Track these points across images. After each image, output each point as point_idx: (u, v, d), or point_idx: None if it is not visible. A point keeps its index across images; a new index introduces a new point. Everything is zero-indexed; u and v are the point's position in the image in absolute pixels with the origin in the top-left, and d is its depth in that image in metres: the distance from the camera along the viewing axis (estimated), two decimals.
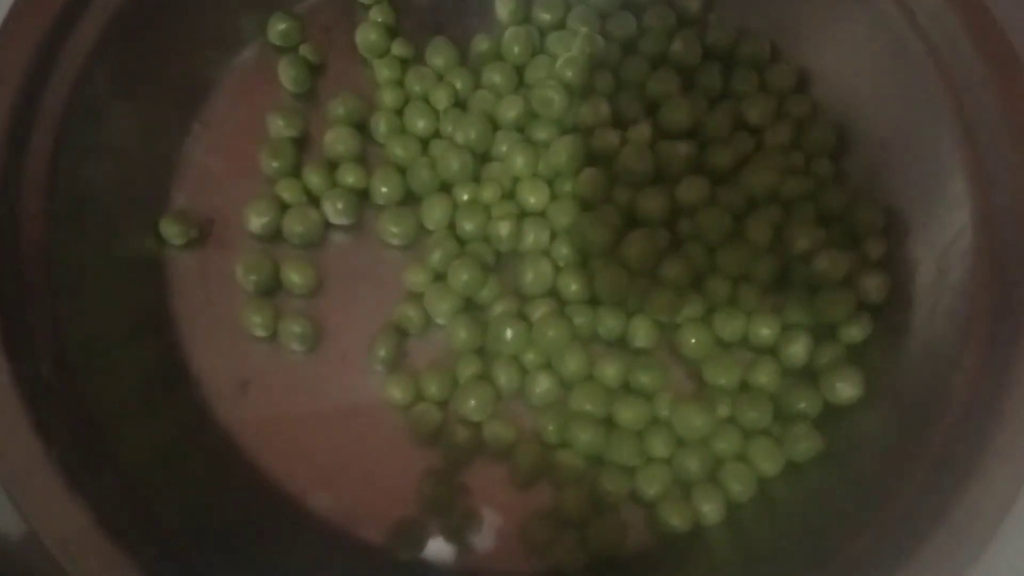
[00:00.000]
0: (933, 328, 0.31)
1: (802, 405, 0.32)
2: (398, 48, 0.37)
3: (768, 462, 0.31)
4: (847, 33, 0.35)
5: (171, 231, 0.33)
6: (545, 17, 0.37)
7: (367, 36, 0.36)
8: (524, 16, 0.37)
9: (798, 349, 0.32)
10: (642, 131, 0.35)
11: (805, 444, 0.31)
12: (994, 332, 0.29)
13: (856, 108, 0.36)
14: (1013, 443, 0.27)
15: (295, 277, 0.33)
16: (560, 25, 0.37)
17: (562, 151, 0.34)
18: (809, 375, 0.32)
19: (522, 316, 0.33)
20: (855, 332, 0.32)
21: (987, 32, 0.32)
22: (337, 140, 0.35)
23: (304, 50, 0.36)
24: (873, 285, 0.33)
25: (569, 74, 0.36)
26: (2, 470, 0.25)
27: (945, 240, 0.32)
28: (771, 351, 0.33)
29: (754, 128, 0.36)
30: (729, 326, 0.33)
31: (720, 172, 0.35)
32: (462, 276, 0.32)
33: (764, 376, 0.32)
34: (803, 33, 0.37)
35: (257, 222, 0.33)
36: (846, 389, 0.31)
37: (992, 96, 0.32)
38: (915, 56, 0.33)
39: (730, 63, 0.37)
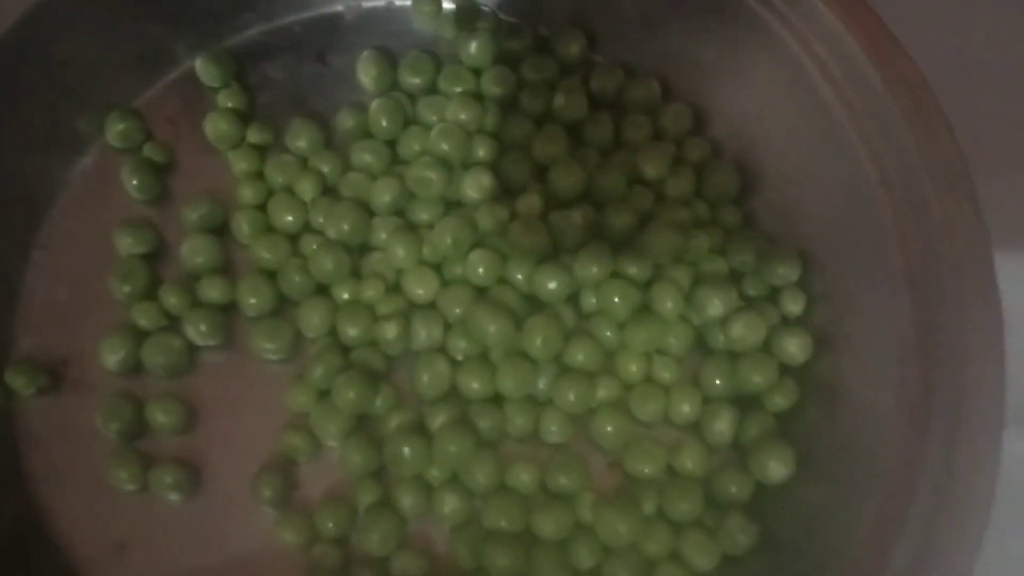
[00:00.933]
0: (863, 388, 0.29)
1: (733, 489, 0.29)
2: (254, 135, 0.33)
3: (703, 557, 0.29)
4: (742, 66, 0.33)
5: (18, 381, 0.29)
6: (413, 81, 0.34)
7: (217, 126, 0.33)
8: (390, 82, 0.34)
9: (723, 426, 0.30)
10: (531, 201, 0.32)
11: (741, 536, 0.28)
12: (929, 384, 0.27)
13: (758, 146, 0.34)
14: (959, 507, 0.25)
15: (161, 417, 0.29)
16: (431, 88, 0.34)
17: (446, 234, 0.31)
18: (737, 452, 0.30)
19: (421, 428, 0.30)
20: (780, 400, 0.30)
21: (891, 57, 0.30)
22: (195, 251, 0.31)
23: (148, 150, 0.33)
24: (795, 346, 0.30)
25: (445, 146, 0.32)
26: None
27: (869, 287, 0.29)
28: (694, 429, 0.30)
29: (652, 181, 0.33)
30: (647, 407, 0.31)
31: (620, 236, 0.32)
32: (349, 393, 0.29)
33: (690, 460, 0.30)
34: (695, 69, 0.34)
35: (112, 359, 0.30)
36: (778, 469, 0.29)
37: (901, 124, 0.29)
38: (815, 87, 0.31)
39: (619, 109, 0.34)
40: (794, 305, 0.31)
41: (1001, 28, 0.35)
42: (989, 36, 0.35)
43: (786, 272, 0.31)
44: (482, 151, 0.33)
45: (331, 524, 0.29)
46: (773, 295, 0.32)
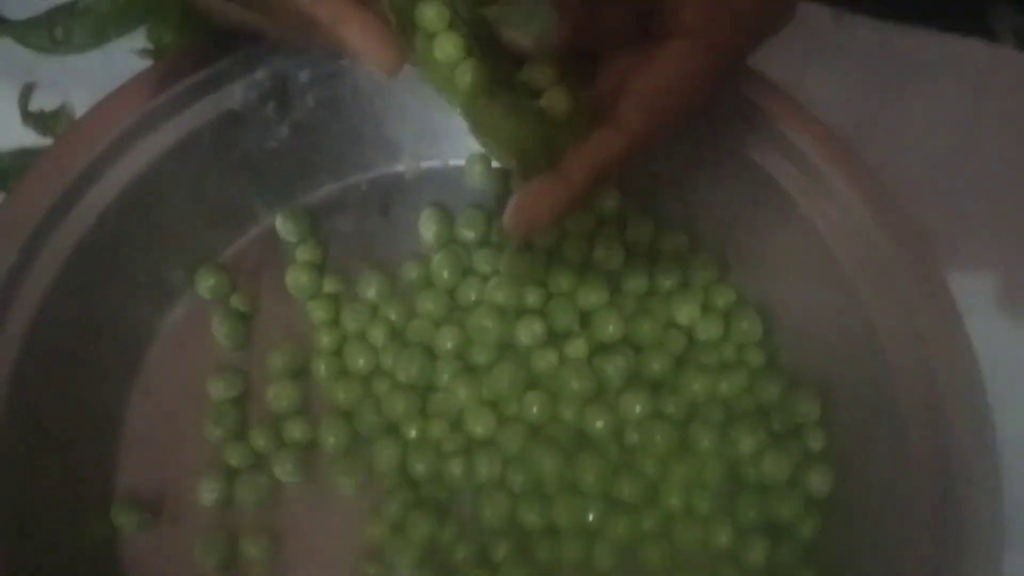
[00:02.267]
0: (881, 512, 0.32)
1: None
2: (329, 285, 0.37)
3: None
4: (761, 221, 0.37)
5: (123, 519, 0.33)
6: (469, 235, 0.38)
7: (297, 279, 0.37)
8: (449, 236, 0.38)
9: (756, 555, 0.33)
10: (578, 347, 0.36)
11: None
12: (941, 519, 0.30)
13: (779, 291, 0.37)
14: None
15: (253, 550, 0.33)
16: (485, 241, 0.38)
17: (503, 377, 0.35)
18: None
19: (485, 557, 0.33)
20: (806, 529, 0.33)
21: (893, 218, 0.34)
22: (279, 396, 0.35)
23: (235, 300, 0.37)
24: (817, 480, 0.34)
25: (500, 296, 0.36)
26: None
27: (882, 421, 0.33)
28: (731, 557, 0.34)
29: (684, 326, 0.37)
30: (688, 536, 0.34)
31: (658, 378, 0.36)
32: (420, 526, 0.33)
33: None
34: (719, 223, 0.38)
35: (208, 497, 0.33)
36: None
37: (903, 277, 0.33)
38: (826, 242, 0.35)
39: (652, 258, 0.38)
40: (816, 442, 0.35)
41: (989, 184, 0.39)
42: (978, 192, 0.39)
43: (807, 410, 0.35)
44: (532, 299, 0.37)
45: None
46: (797, 430, 0.35)
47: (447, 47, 0.26)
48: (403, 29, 0.25)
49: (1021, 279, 0.38)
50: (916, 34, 0.42)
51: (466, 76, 0.26)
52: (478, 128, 0.26)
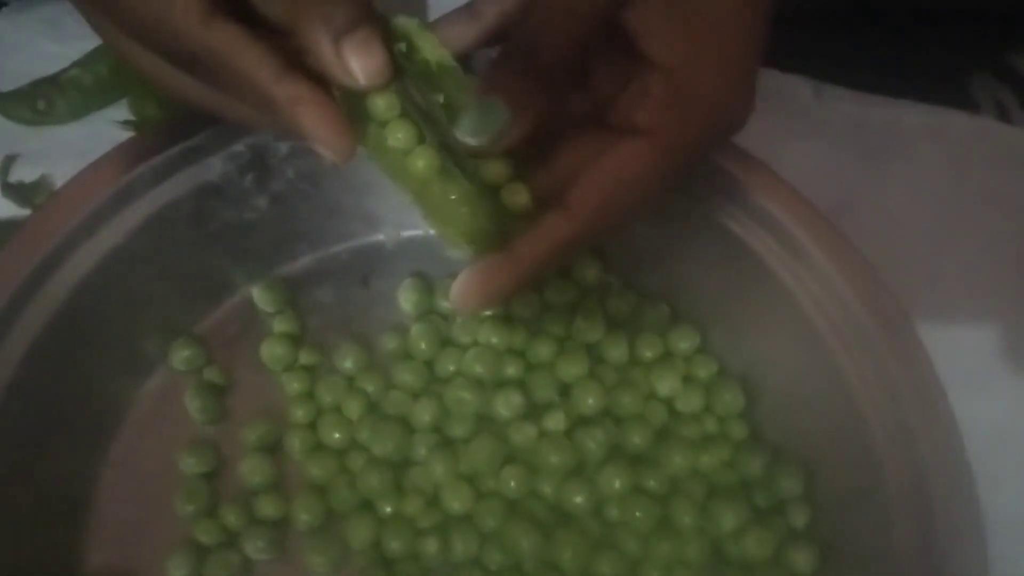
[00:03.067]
0: None
1: None
2: (305, 357, 0.37)
3: None
4: (742, 293, 0.37)
5: None
6: (448, 306, 0.38)
7: (273, 350, 0.37)
8: (428, 306, 0.38)
9: None
10: (557, 420, 0.35)
11: None
12: None
13: (760, 363, 0.37)
14: None
15: None
16: None
17: (481, 451, 0.35)
18: None
19: None
20: None
21: (874, 294, 0.33)
22: (252, 471, 0.34)
23: (209, 373, 0.36)
24: (802, 560, 0.33)
25: (479, 368, 0.36)
26: None
27: (866, 500, 0.32)
28: None
29: (665, 398, 0.36)
30: None
31: (638, 452, 0.35)
32: None
33: None
34: (701, 293, 0.38)
35: (177, 574, 0.32)
36: None
37: (885, 354, 0.33)
38: (808, 316, 0.34)
39: (633, 328, 0.38)
40: (799, 518, 0.34)
41: (970, 257, 0.39)
42: (960, 265, 0.39)
43: (790, 485, 0.35)
44: (511, 370, 0.36)
45: None
46: (780, 506, 0.35)
47: (399, 134, 0.26)
48: (354, 116, 0.25)
49: (1001, 352, 0.38)
50: (897, 106, 0.43)
51: (419, 162, 0.26)
52: (431, 215, 0.26)
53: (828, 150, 0.42)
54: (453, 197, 0.26)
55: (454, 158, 0.26)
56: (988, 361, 0.38)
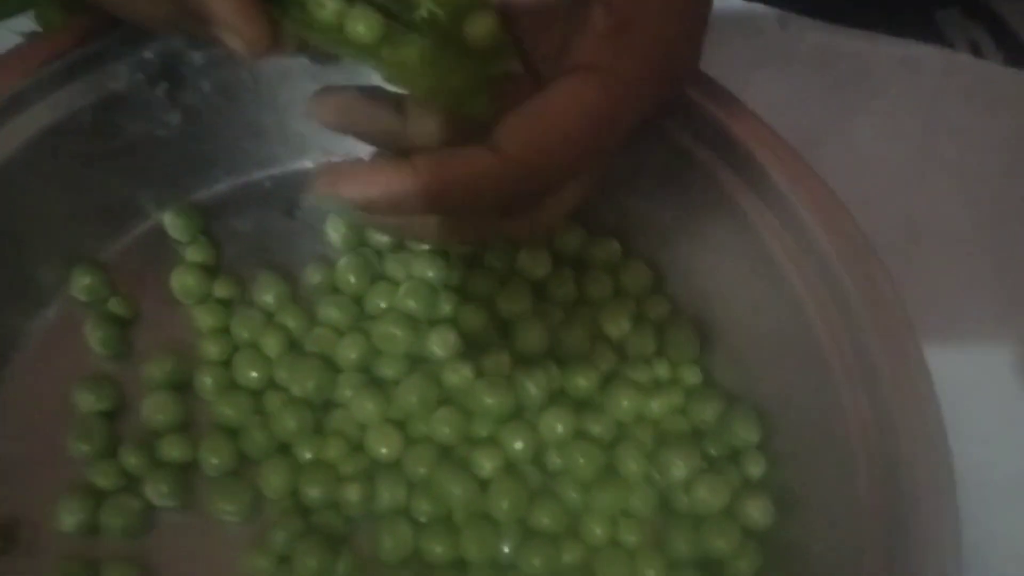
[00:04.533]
0: (825, 551, 0.30)
1: None
2: (220, 289, 0.34)
3: None
4: (699, 228, 0.35)
5: None
6: (381, 238, 0.35)
7: (184, 281, 0.34)
8: (359, 239, 0.36)
9: None
10: (501, 360, 0.33)
11: None
12: (888, 546, 0.28)
13: (716, 305, 0.35)
14: None
15: None
16: (398, 247, 0.35)
17: (412, 392, 0.32)
18: None
19: None
20: (744, 565, 0.31)
21: (839, 223, 0.31)
22: (156, 409, 0.32)
23: (113, 304, 0.34)
24: (757, 511, 0.31)
25: (412, 304, 0.34)
26: None
27: (826, 449, 0.30)
28: None
29: (614, 339, 0.34)
30: (612, 571, 0.31)
31: (583, 396, 0.33)
32: (310, 559, 0.30)
33: None
34: (654, 230, 0.36)
35: (70, 520, 0.30)
36: None
37: (851, 290, 0.30)
38: (769, 251, 0.32)
39: (581, 266, 0.36)
40: (755, 467, 0.32)
41: (942, 196, 0.37)
42: (933, 204, 0.37)
43: (746, 433, 0.33)
44: (448, 308, 0.34)
45: None
46: (734, 455, 0.33)
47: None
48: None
49: (974, 295, 0.36)
50: (867, 38, 0.41)
51: (358, 27, 0.23)
52: (393, 79, 0.23)
53: (794, 81, 0.40)
54: (411, 54, 0.23)
55: (400, 8, 0.23)
56: (960, 304, 0.36)
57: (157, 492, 0.31)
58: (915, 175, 0.39)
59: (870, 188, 0.38)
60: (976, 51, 0.44)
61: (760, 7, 0.42)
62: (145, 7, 0.27)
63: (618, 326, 0.34)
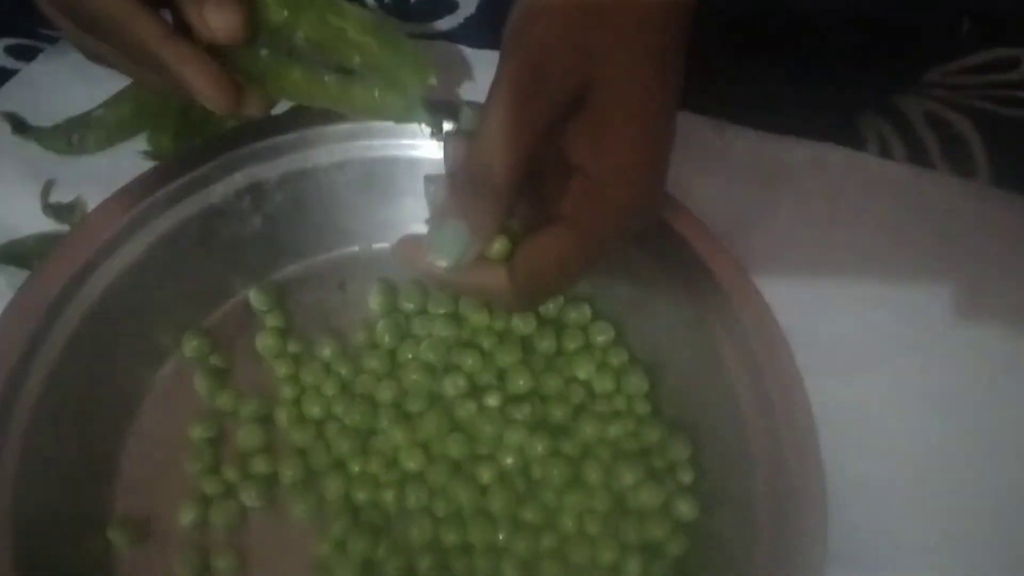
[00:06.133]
0: (736, 538, 0.40)
1: None
2: (292, 347, 0.45)
3: None
4: (649, 299, 0.45)
5: (117, 535, 0.40)
6: (409, 306, 0.46)
7: (265, 341, 0.45)
8: (392, 306, 0.46)
9: (633, 568, 0.40)
10: (493, 398, 0.43)
11: None
12: (787, 538, 0.37)
13: (662, 356, 0.45)
14: None
15: (222, 562, 0.40)
16: (422, 311, 0.46)
17: (431, 422, 0.43)
18: None
19: (411, 569, 0.40)
20: (674, 547, 0.41)
21: (750, 300, 0.42)
22: (248, 437, 0.42)
23: (214, 359, 0.44)
24: (685, 507, 0.41)
25: (431, 355, 0.44)
26: None
27: (739, 464, 0.40)
28: (613, 571, 0.41)
29: (583, 380, 0.45)
30: (579, 554, 0.41)
31: (559, 424, 0.43)
32: (359, 543, 0.40)
33: None
34: (616, 298, 0.46)
35: (187, 518, 0.41)
36: None
37: (760, 350, 0.41)
38: (693, 312, 0.43)
39: (560, 327, 0.46)
40: (686, 476, 0.42)
41: (842, 268, 0.47)
42: (833, 274, 0.47)
43: (680, 451, 0.43)
44: (457, 358, 0.45)
45: None
46: (671, 467, 0.43)
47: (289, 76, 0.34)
48: (250, 70, 0.32)
49: (858, 344, 0.46)
50: (785, 141, 0.51)
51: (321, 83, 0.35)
52: (359, 111, 0.35)
53: (727, 182, 0.49)
54: (375, 94, 0.33)
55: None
56: (848, 351, 0.45)
57: (249, 497, 0.41)
58: (821, 251, 0.49)
59: (786, 263, 0.48)
60: (885, 147, 0.54)
61: (701, 118, 0.52)
62: (140, 74, 0.34)
63: (586, 370, 0.45)
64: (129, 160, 0.49)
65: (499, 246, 0.33)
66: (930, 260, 0.48)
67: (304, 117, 0.44)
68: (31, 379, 0.39)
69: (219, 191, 0.44)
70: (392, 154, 0.46)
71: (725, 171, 0.50)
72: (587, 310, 0.46)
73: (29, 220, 0.48)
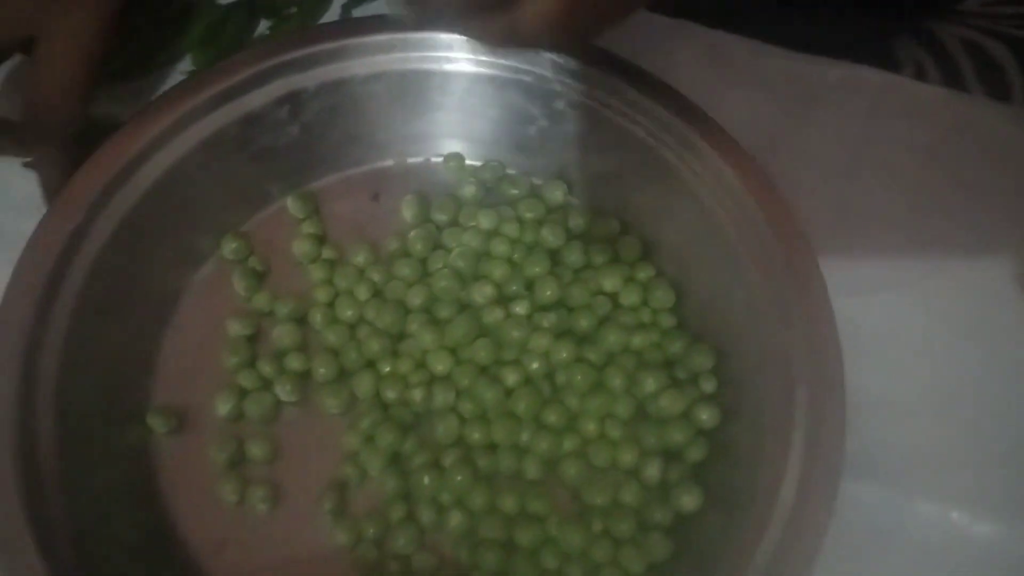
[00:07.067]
0: (756, 446, 0.40)
1: (658, 516, 0.41)
2: (327, 252, 0.46)
3: (634, 564, 0.40)
4: (676, 210, 0.45)
5: (156, 423, 0.42)
6: (441, 217, 0.47)
7: (302, 247, 0.46)
8: (425, 216, 0.47)
9: (653, 471, 0.42)
10: (521, 307, 0.44)
11: (660, 549, 0.40)
12: (805, 449, 0.37)
13: (688, 271, 0.46)
14: (804, 527, 0.36)
15: (256, 451, 0.42)
16: (453, 222, 0.47)
17: (460, 327, 0.44)
18: (662, 490, 0.42)
19: (437, 464, 0.42)
20: (694, 453, 0.42)
21: (772, 203, 0.42)
22: (283, 335, 0.44)
23: (252, 262, 0.46)
24: (706, 415, 0.42)
25: (461, 264, 0.45)
26: None
27: (761, 375, 0.41)
28: (633, 473, 0.42)
29: (610, 293, 0.46)
30: (600, 456, 0.42)
31: (584, 333, 0.44)
32: (388, 436, 0.42)
33: (629, 495, 0.41)
34: (643, 210, 0.47)
35: (223, 408, 0.42)
36: (689, 502, 0.41)
37: (780, 254, 0.41)
38: (723, 227, 0.43)
39: (588, 240, 0.47)
40: (708, 386, 0.43)
41: (873, 188, 0.47)
42: (864, 195, 0.48)
43: (703, 362, 0.43)
44: (487, 268, 0.46)
45: (372, 530, 0.41)
46: (695, 378, 0.44)
47: None
48: None
49: (886, 264, 0.46)
50: (821, 62, 0.51)
51: None
52: None
53: (759, 100, 0.50)
54: None
55: None
56: (875, 270, 0.45)
57: (284, 391, 0.43)
58: (853, 172, 0.49)
59: (816, 183, 0.49)
60: (920, 71, 0.54)
61: (736, 37, 0.52)
62: None
63: (613, 284, 0.45)
64: (173, 79, 0.51)
65: None
66: (963, 184, 0.48)
67: (341, 28, 0.45)
68: (74, 272, 0.40)
69: (258, 99, 0.45)
70: (426, 67, 0.46)
71: (758, 90, 0.50)
72: (615, 224, 0.47)
73: None
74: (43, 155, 0.43)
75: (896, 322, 0.45)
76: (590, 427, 0.42)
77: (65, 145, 0.43)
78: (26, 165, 0.44)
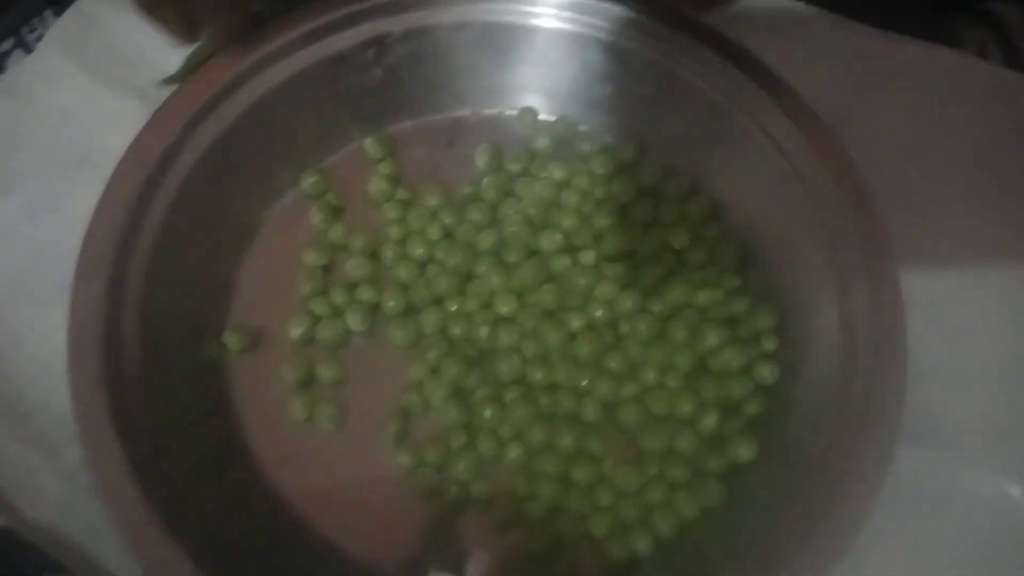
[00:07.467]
0: (811, 404, 0.41)
1: (712, 464, 0.41)
2: (401, 193, 0.48)
3: (687, 508, 0.41)
4: (747, 171, 0.46)
5: (232, 340, 0.43)
6: (514, 167, 0.48)
7: (377, 186, 0.47)
8: (498, 165, 0.48)
9: (710, 421, 0.42)
10: (588, 256, 0.45)
11: (714, 495, 0.41)
12: (863, 411, 0.38)
13: (756, 232, 0.46)
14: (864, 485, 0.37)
15: (325, 373, 0.43)
16: (525, 173, 0.48)
17: (527, 272, 0.45)
18: (718, 441, 0.42)
19: (498, 399, 0.43)
20: (752, 408, 0.42)
21: (843, 168, 0.42)
22: (356, 267, 0.45)
23: (329, 197, 0.47)
24: (766, 372, 0.43)
25: (532, 212, 0.46)
26: (122, 522, 0.35)
27: (821, 337, 0.42)
28: (690, 423, 0.43)
29: (677, 249, 0.46)
30: (658, 404, 0.43)
31: (649, 286, 0.45)
32: (452, 369, 0.43)
33: (685, 443, 0.42)
34: (715, 172, 0.48)
35: (296, 331, 0.44)
36: (744, 452, 0.41)
37: (849, 219, 0.42)
38: (794, 190, 0.44)
39: (658, 198, 0.48)
40: (770, 344, 0.44)
41: (937, 161, 0.48)
42: (929, 167, 0.48)
43: (765, 322, 0.44)
44: (556, 217, 0.47)
45: (433, 455, 0.42)
46: (756, 336, 0.44)
47: None
48: None
49: (950, 236, 0.46)
50: (894, 39, 0.51)
51: None
52: None
53: (838, 75, 0.50)
54: None
55: None
56: (938, 247, 0.45)
57: (354, 320, 0.44)
58: (923, 150, 0.49)
59: (886, 157, 0.49)
60: (982, 51, 0.54)
61: (817, 10, 0.52)
62: None
63: (680, 241, 0.46)
64: None
65: None
66: None
67: None
68: (162, 192, 0.42)
69: (347, 39, 0.46)
70: (509, 20, 0.48)
71: (837, 64, 0.50)
72: (685, 182, 0.48)
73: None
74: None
75: (960, 296, 0.45)
76: (650, 376, 0.43)
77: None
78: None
